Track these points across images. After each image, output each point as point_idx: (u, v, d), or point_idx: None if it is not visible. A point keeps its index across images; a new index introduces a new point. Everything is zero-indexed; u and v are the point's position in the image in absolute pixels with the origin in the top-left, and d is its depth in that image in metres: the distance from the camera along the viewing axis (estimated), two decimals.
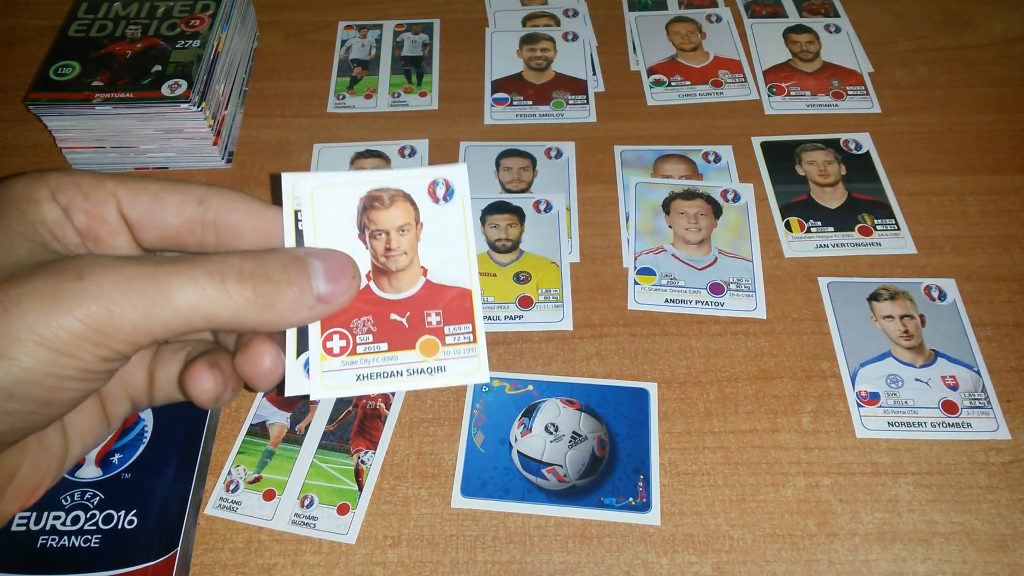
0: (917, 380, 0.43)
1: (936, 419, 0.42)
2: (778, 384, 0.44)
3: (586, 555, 0.38)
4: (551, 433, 0.42)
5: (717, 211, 0.51)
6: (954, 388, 0.43)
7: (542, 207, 0.51)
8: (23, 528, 0.38)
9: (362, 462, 0.41)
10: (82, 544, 0.38)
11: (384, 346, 0.32)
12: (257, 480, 0.41)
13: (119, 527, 0.39)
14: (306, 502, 0.40)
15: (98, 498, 0.39)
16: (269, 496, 0.40)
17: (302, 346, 0.30)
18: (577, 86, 0.59)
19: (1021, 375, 0.44)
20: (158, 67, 0.52)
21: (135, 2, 0.56)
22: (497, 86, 0.59)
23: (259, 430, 0.43)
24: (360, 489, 0.40)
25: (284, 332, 0.30)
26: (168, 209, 0.29)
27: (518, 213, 0.51)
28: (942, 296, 0.47)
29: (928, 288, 0.47)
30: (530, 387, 0.44)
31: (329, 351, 0.32)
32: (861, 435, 0.42)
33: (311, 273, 0.28)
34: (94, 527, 0.39)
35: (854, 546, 0.38)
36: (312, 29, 0.64)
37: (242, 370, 0.29)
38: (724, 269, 0.48)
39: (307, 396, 0.30)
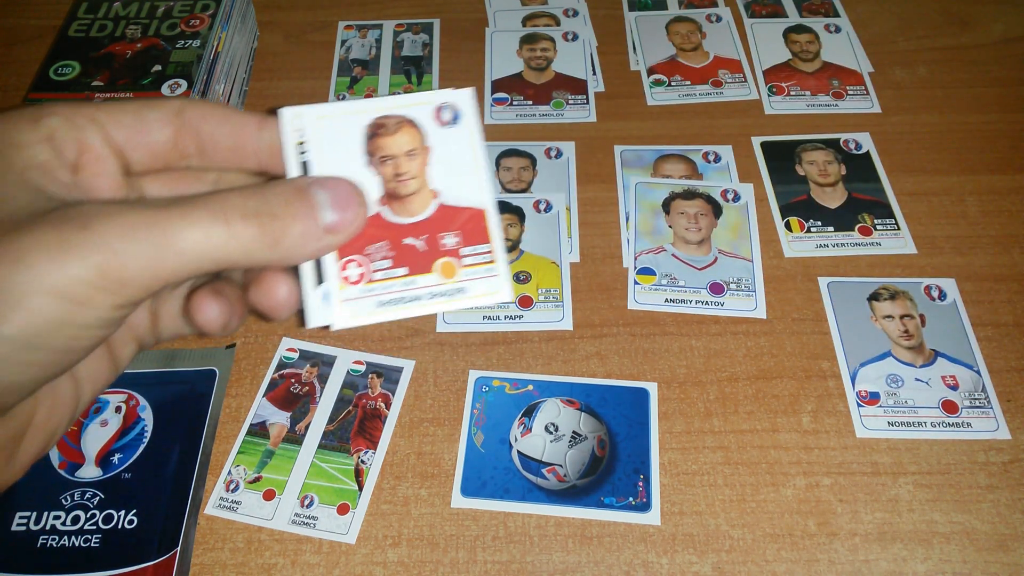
0: (917, 380, 0.43)
1: (936, 419, 0.42)
2: (778, 384, 0.44)
3: (586, 555, 0.38)
4: (551, 433, 0.42)
5: (717, 211, 0.51)
6: (954, 388, 0.43)
7: (542, 207, 0.51)
8: (23, 528, 0.38)
9: (362, 462, 0.41)
10: (82, 544, 0.38)
11: (402, 271, 0.32)
12: (257, 480, 0.41)
13: (119, 527, 0.39)
14: (306, 502, 0.40)
15: (98, 498, 0.39)
16: (269, 496, 0.40)
17: (319, 275, 0.30)
18: (577, 86, 0.59)
19: (1021, 375, 0.44)
20: (158, 67, 0.52)
21: (135, 2, 0.56)
22: (497, 86, 0.59)
23: (259, 430, 0.43)
24: (360, 489, 0.40)
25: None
26: (151, 125, 0.29)
27: (518, 213, 0.51)
28: (942, 296, 0.47)
29: (928, 288, 0.47)
30: (530, 387, 0.44)
31: (346, 279, 0.31)
32: (861, 435, 0.42)
33: (315, 204, 0.27)
34: (94, 527, 0.39)
35: (854, 546, 0.38)
36: (312, 29, 0.64)
37: (258, 302, 0.29)
38: (724, 269, 0.48)
39: (328, 326, 0.29)
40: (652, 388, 0.43)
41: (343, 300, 0.31)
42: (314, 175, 0.29)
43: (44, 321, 0.24)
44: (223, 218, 0.25)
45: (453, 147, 0.33)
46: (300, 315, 0.30)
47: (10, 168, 0.26)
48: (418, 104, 0.33)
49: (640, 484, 0.40)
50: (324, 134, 0.32)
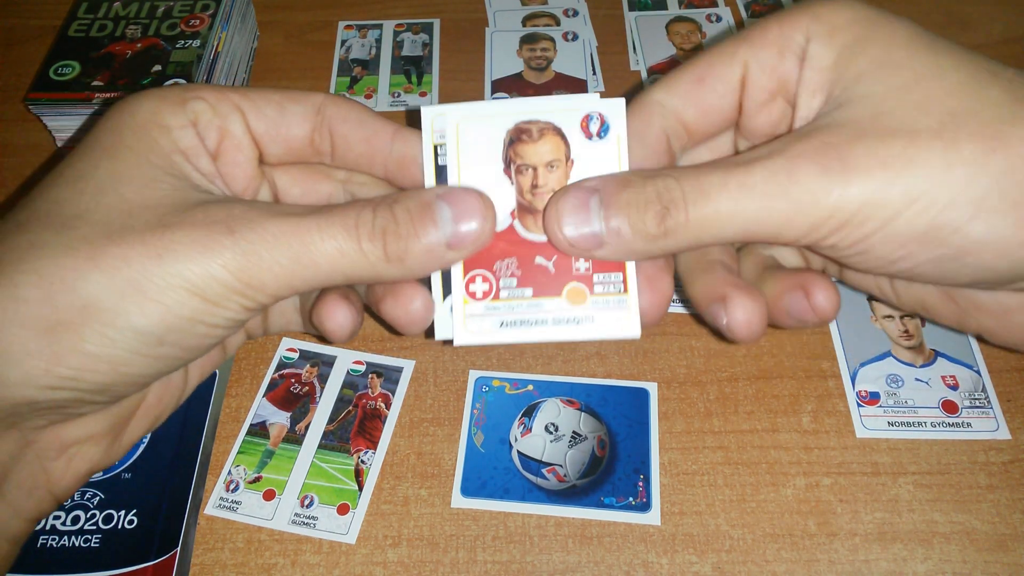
0: (917, 380, 0.43)
1: (936, 419, 0.42)
2: (778, 384, 0.44)
3: (586, 555, 0.38)
4: (551, 433, 0.42)
5: None
6: (954, 388, 0.43)
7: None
8: None
9: (362, 462, 0.41)
10: (82, 544, 0.38)
11: (528, 291, 0.30)
12: (257, 480, 0.41)
13: (119, 527, 0.39)
14: (306, 502, 0.40)
15: (98, 498, 0.40)
16: (269, 496, 0.40)
17: (447, 288, 0.29)
18: (577, 86, 0.59)
19: (1021, 375, 0.44)
20: (158, 67, 0.52)
21: (135, 2, 0.56)
22: (497, 86, 0.60)
23: (259, 430, 0.43)
24: (360, 489, 0.40)
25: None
26: (292, 119, 0.29)
27: None
28: None
29: None
30: (530, 387, 0.44)
31: (472, 294, 0.30)
32: (861, 435, 0.42)
33: (438, 221, 0.27)
34: (94, 527, 0.39)
35: (854, 546, 0.38)
36: (312, 29, 0.64)
37: (393, 315, 0.29)
38: None
39: (450, 341, 0.29)
40: (652, 388, 0.43)
41: (467, 316, 0.30)
42: (442, 186, 0.28)
43: (177, 317, 0.24)
44: (355, 234, 0.26)
45: (597, 163, 0.30)
46: (431, 328, 0.30)
47: (156, 150, 0.27)
48: (566, 110, 0.31)
49: (640, 484, 0.40)
50: (465, 136, 0.30)
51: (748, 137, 0.31)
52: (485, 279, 0.30)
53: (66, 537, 0.38)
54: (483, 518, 0.40)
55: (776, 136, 0.29)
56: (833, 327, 0.46)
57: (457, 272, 0.30)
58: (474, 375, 0.44)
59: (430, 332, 0.29)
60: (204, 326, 0.25)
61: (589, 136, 0.31)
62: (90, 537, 0.38)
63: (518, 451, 0.41)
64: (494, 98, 0.59)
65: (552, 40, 0.63)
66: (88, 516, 0.39)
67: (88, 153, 0.26)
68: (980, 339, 0.28)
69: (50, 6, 0.65)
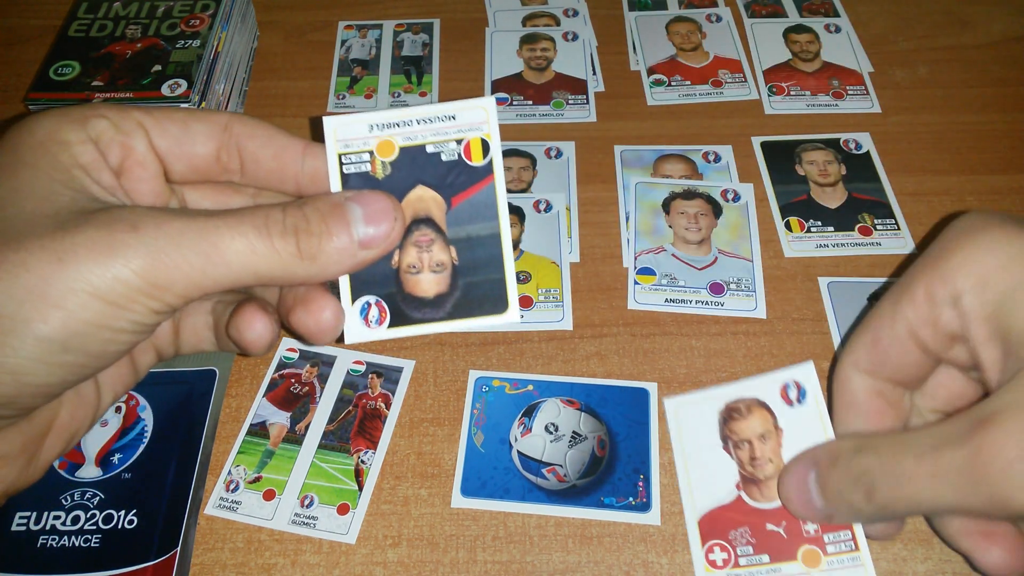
0: None
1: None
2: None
3: (586, 555, 0.38)
4: (551, 433, 0.42)
5: (717, 211, 0.51)
6: None
7: (542, 207, 0.51)
8: (23, 528, 0.38)
9: (362, 462, 0.41)
10: (82, 544, 0.38)
11: (766, 557, 0.33)
12: (257, 480, 0.41)
13: (119, 527, 0.39)
14: (306, 502, 0.40)
15: (98, 498, 0.40)
16: (269, 496, 0.40)
17: (356, 291, 0.30)
18: (577, 86, 0.59)
19: None
20: (158, 67, 0.52)
21: (135, 2, 0.56)
22: (497, 86, 0.60)
23: (259, 430, 0.43)
24: (360, 489, 0.40)
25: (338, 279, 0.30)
26: (196, 138, 0.29)
27: (518, 213, 0.51)
28: None
29: None
30: (530, 387, 0.44)
31: (712, 563, 0.34)
32: None
33: (350, 220, 0.27)
34: (94, 527, 0.39)
35: None
36: (312, 29, 0.64)
37: (304, 325, 0.29)
38: (724, 269, 0.48)
39: (361, 342, 0.31)
40: (652, 388, 0.43)
41: None
42: (351, 190, 0.29)
43: (82, 323, 0.24)
44: (266, 232, 0.26)
45: (802, 426, 0.35)
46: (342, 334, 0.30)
47: (56, 165, 0.26)
48: (765, 385, 0.36)
49: (640, 484, 0.40)
50: (685, 418, 0.36)
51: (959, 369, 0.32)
52: (723, 548, 0.34)
53: (66, 537, 0.38)
54: (483, 518, 0.40)
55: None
56: (833, 327, 0.46)
57: (695, 540, 0.35)
58: (474, 375, 0.44)
59: (340, 338, 0.30)
60: (110, 331, 0.25)
61: (790, 403, 0.36)
62: (90, 537, 0.38)
63: (518, 451, 0.41)
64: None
65: (552, 40, 0.63)
66: (88, 516, 0.39)
67: None
68: None
69: (50, 6, 0.65)
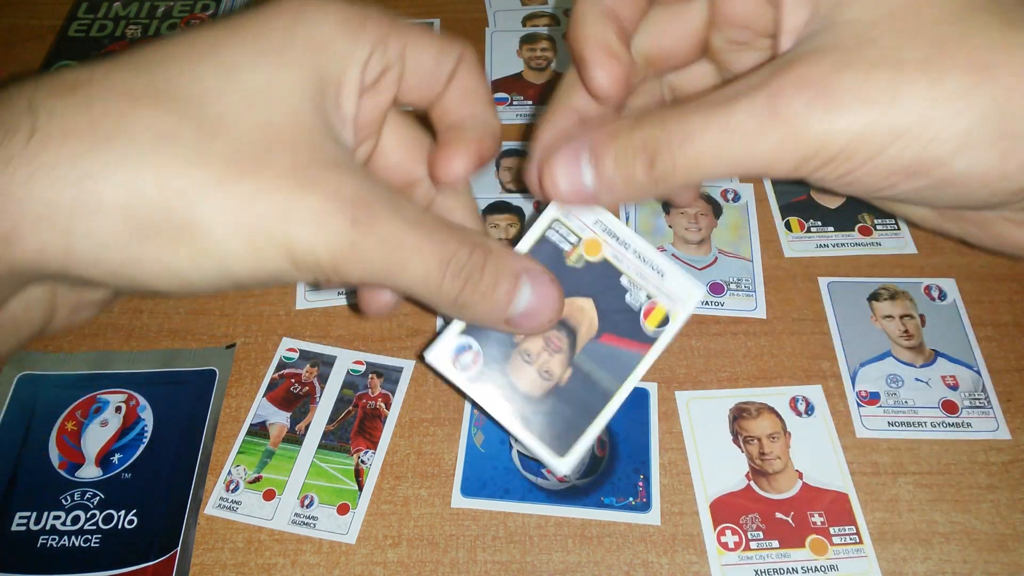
0: (917, 380, 0.43)
1: (936, 419, 0.42)
2: (778, 384, 0.44)
3: (586, 555, 0.38)
4: None
5: (717, 211, 0.51)
6: (954, 388, 0.43)
7: (542, 207, 0.51)
8: (23, 528, 0.38)
9: (362, 462, 0.41)
10: (82, 544, 0.38)
11: (775, 543, 0.36)
12: (257, 480, 0.41)
13: (119, 527, 0.39)
14: (306, 502, 0.40)
15: (98, 498, 0.40)
16: (269, 496, 0.40)
17: (471, 329, 0.31)
18: None
19: (1021, 375, 0.44)
20: None
21: (135, 2, 0.56)
22: (497, 86, 0.60)
23: (259, 430, 0.43)
24: (360, 489, 0.40)
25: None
26: (442, 69, 0.29)
27: (518, 213, 0.51)
28: (942, 296, 0.47)
29: (928, 288, 0.47)
30: None
31: (724, 545, 0.36)
32: (861, 435, 0.42)
33: (514, 299, 0.28)
34: (94, 527, 0.39)
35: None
36: None
37: (365, 299, 0.30)
38: (724, 269, 0.48)
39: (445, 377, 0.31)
40: (652, 388, 0.43)
41: (723, 565, 0.36)
42: (534, 264, 0.29)
43: (265, 273, 0.24)
44: (443, 270, 0.26)
45: (811, 432, 0.38)
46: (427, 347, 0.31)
47: (320, 77, 0.25)
48: (774, 395, 0.40)
49: (640, 484, 0.40)
50: (696, 411, 0.40)
51: (729, 34, 0.30)
52: (734, 531, 0.36)
53: (66, 537, 0.38)
54: (483, 518, 0.40)
55: (759, 50, 0.30)
56: (833, 327, 0.46)
57: (707, 523, 0.37)
58: None
59: (423, 350, 0.31)
60: (277, 281, 0.25)
61: (799, 414, 0.39)
62: (90, 537, 0.38)
63: (518, 451, 0.41)
64: (494, 98, 0.59)
65: (552, 40, 0.63)
66: (88, 516, 0.39)
67: (251, 43, 0.25)
68: (962, 243, 0.29)
69: (50, 6, 0.65)
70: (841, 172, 0.24)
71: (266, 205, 0.23)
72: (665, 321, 0.31)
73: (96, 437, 0.42)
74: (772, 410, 0.39)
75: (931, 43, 0.23)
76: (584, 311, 0.31)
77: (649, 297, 0.31)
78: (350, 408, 0.43)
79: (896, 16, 0.24)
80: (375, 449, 0.42)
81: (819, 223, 0.51)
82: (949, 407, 0.42)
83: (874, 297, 0.47)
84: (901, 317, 0.46)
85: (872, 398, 0.43)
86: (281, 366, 0.45)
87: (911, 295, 0.47)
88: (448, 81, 0.30)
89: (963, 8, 0.24)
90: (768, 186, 0.53)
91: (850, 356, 0.44)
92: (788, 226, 0.51)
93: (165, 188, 0.22)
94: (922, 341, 0.45)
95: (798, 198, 0.52)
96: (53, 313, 0.28)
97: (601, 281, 0.31)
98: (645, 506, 0.39)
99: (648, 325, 0.31)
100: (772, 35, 0.28)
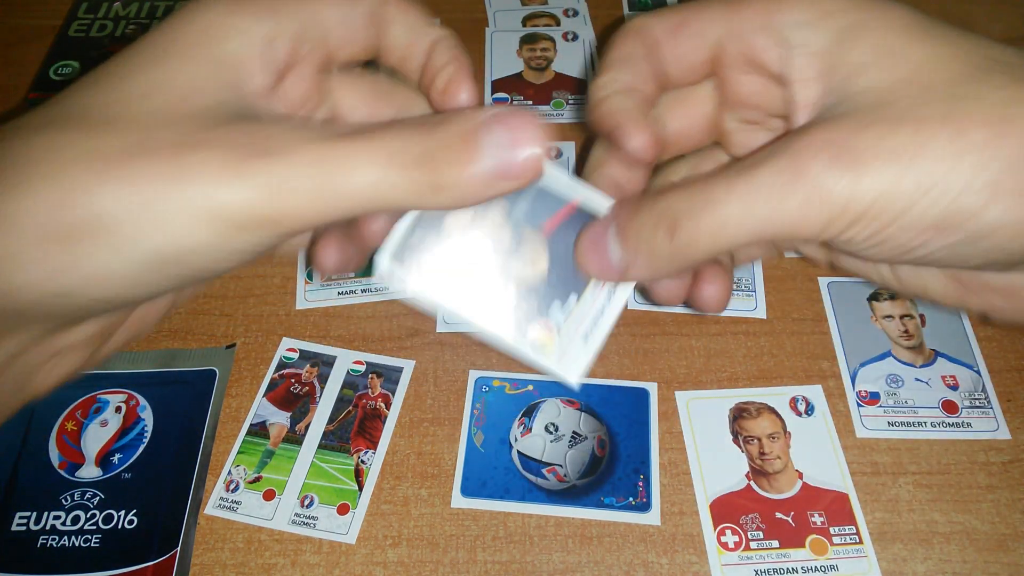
0: (917, 380, 0.43)
1: (936, 419, 0.42)
2: (778, 384, 0.44)
3: (586, 555, 0.38)
4: (551, 433, 0.42)
5: None
6: (954, 388, 0.43)
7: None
8: (23, 528, 0.38)
9: (362, 462, 0.41)
10: (82, 544, 0.38)
11: (775, 543, 0.36)
12: (257, 480, 0.41)
13: (119, 527, 0.39)
14: (306, 502, 0.40)
15: (98, 498, 0.40)
16: (269, 496, 0.40)
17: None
18: (577, 86, 0.59)
19: (1021, 375, 0.44)
20: None
21: (135, 2, 0.56)
22: (497, 86, 0.59)
23: (259, 430, 0.43)
24: (360, 489, 0.40)
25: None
26: (387, 29, 0.29)
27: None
28: None
29: None
30: (530, 387, 0.44)
31: (724, 545, 0.36)
32: (861, 435, 0.42)
33: (482, 150, 0.24)
34: (94, 527, 0.39)
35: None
36: None
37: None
38: None
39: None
40: (652, 388, 0.43)
41: (723, 564, 0.36)
42: (495, 108, 0.26)
43: (192, 242, 0.23)
44: (400, 161, 0.24)
45: (811, 433, 0.38)
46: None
47: (210, 58, 0.25)
48: (774, 395, 0.40)
49: (640, 484, 0.40)
50: (696, 411, 0.40)
51: (739, 114, 0.30)
52: (735, 531, 0.36)
53: (66, 537, 0.38)
54: (483, 518, 0.40)
55: (772, 130, 0.30)
56: (833, 327, 0.46)
57: (707, 523, 0.37)
58: (474, 375, 0.44)
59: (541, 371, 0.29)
60: (221, 252, 0.24)
61: (799, 414, 0.39)
62: (90, 537, 0.38)
63: (518, 451, 0.41)
64: (494, 99, 0.59)
65: (552, 40, 0.63)
66: (88, 516, 0.39)
67: (138, 54, 0.25)
68: (983, 319, 0.29)
69: (50, 6, 0.65)
70: (871, 231, 0.24)
71: (158, 178, 0.22)
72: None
73: (96, 437, 0.42)
74: (772, 410, 0.39)
75: (949, 101, 0.23)
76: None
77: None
78: (350, 408, 0.43)
79: (911, 80, 0.24)
80: (375, 449, 0.42)
81: None
82: (949, 407, 0.42)
83: (874, 297, 0.47)
84: (901, 317, 0.46)
85: (872, 398, 0.43)
86: (281, 366, 0.45)
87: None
88: (381, 26, 0.29)
89: (976, 68, 0.24)
90: None
91: (850, 356, 0.44)
92: None
93: (65, 192, 0.22)
94: (922, 341, 0.45)
95: None
96: (31, 374, 0.28)
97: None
98: (645, 506, 0.39)
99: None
100: (783, 115, 0.28)
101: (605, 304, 0.29)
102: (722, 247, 0.26)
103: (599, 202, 0.29)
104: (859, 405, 0.43)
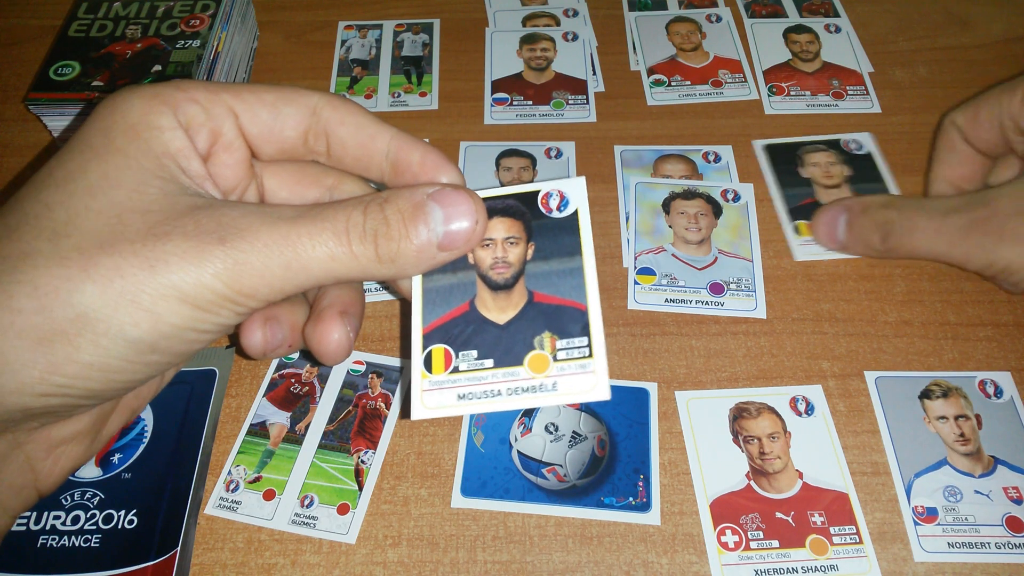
0: (977, 492, 0.39)
1: (1001, 538, 0.38)
2: (778, 384, 0.44)
3: (586, 555, 0.38)
4: (551, 433, 0.42)
5: (717, 211, 0.51)
6: (1018, 501, 0.39)
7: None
8: (23, 528, 0.38)
9: (362, 462, 0.41)
10: (82, 544, 0.38)
11: (775, 543, 0.36)
12: (257, 480, 0.41)
13: (119, 527, 0.39)
14: (306, 502, 0.40)
15: (98, 498, 0.40)
16: (269, 496, 0.40)
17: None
18: (577, 86, 0.59)
19: None
20: (158, 67, 0.52)
21: (135, 2, 0.56)
22: (497, 86, 0.60)
23: (259, 430, 0.43)
24: (360, 489, 0.40)
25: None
26: (286, 122, 0.29)
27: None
28: (998, 392, 0.43)
29: (983, 383, 0.43)
30: None
31: (724, 545, 0.36)
32: (920, 559, 0.38)
33: (429, 222, 0.27)
34: (94, 527, 0.39)
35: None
36: (312, 29, 0.64)
37: (312, 342, 0.30)
38: (724, 269, 0.48)
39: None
40: (652, 388, 0.43)
41: (723, 564, 0.36)
42: (433, 185, 0.28)
43: (170, 326, 0.25)
44: (345, 238, 0.26)
45: (812, 433, 0.39)
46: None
47: (147, 152, 0.26)
48: (775, 395, 0.40)
49: (640, 484, 0.40)
50: (696, 411, 0.40)
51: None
52: (735, 531, 0.36)
53: (66, 537, 0.38)
54: (483, 518, 0.40)
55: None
56: (884, 431, 0.41)
57: (707, 523, 0.37)
58: None
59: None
60: (195, 332, 0.26)
61: (799, 414, 0.39)
62: (90, 537, 0.38)
63: (518, 451, 0.41)
64: (494, 99, 0.59)
65: (552, 40, 0.63)
66: (88, 516, 0.39)
67: (77, 154, 0.26)
68: None
69: (50, 6, 0.65)
70: (1013, 281, 0.39)
71: (133, 267, 0.24)
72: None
73: None
74: (772, 410, 0.38)
75: None
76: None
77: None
78: (350, 408, 0.43)
79: None
80: (375, 449, 0.42)
81: None
82: (1014, 524, 0.38)
83: (925, 395, 0.43)
84: (956, 418, 0.42)
85: (930, 514, 0.39)
86: (281, 366, 0.45)
87: (965, 392, 0.43)
88: (305, 125, 0.30)
89: None
90: (772, 186, 0.53)
91: (904, 464, 0.40)
92: (797, 230, 0.50)
93: (36, 295, 0.23)
94: (980, 447, 0.41)
95: (806, 200, 0.52)
96: (35, 469, 0.29)
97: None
98: (645, 506, 0.39)
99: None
100: None
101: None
102: (917, 256, 0.41)
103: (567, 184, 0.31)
104: (916, 523, 0.38)
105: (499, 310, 0.29)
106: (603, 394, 0.27)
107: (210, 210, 0.26)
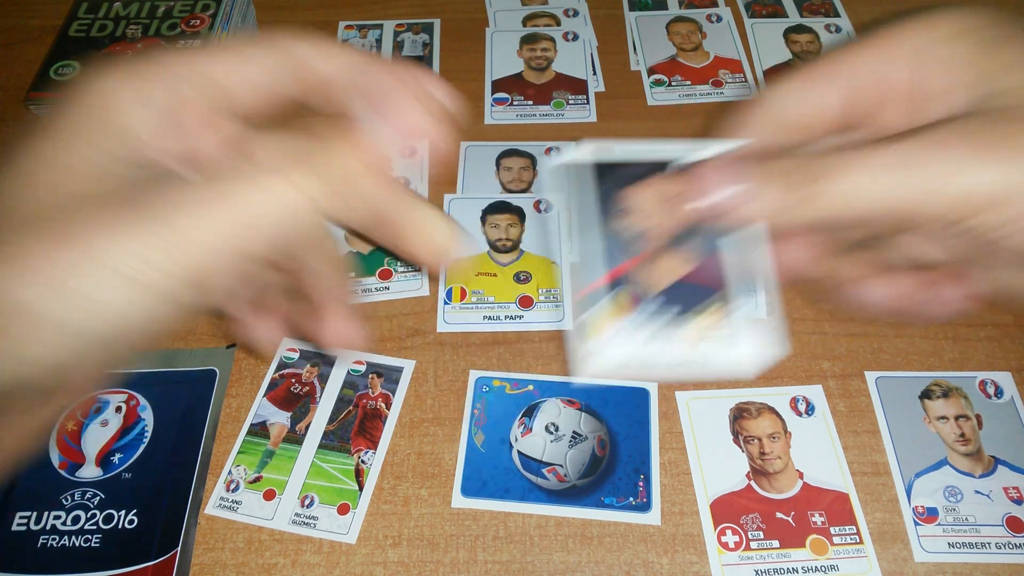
0: (977, 492, 0.39)
1: (1001, 539, 0.38)
2: (778, 384, 0.44)
3: (586, 555, 0.38)
4: (551, 433, 0.42)
5: None
6: (1018, 501, 0.39)
7: (542, 207, 0.51)
8: (23, 528, 0.38)
9: (362, 462, 0.41)
10: (82, 544, 0.38)
11: (776, 543, 0.36)
12: (257, 480, 0.41)
13: (119, 527, 0.39)
14: (306, 502, 0.40)
15: (98, 498, 0.39)
16: (269, 496, 0.40)
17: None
18: (577, 86, 0.59)
19: None
20: None
21: (135, 2, 0.56)
22: (497, 86, 0.59)
23: (259, 430, 0.43)
24: (360, 489, 0.40)
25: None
26: (264, 62, 0.28)
27: (518, 213, 0.51)
28: (999, 392, 0.42)
29: (983, 383, 0.43)
30: (530, 387, 0.44)
31: (724, 545, 0.36)
32: (920, 559, 0.38)
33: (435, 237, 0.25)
34: (94, 527, 0.39)
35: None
36: (312, 29, 0.64)
37: (323, 340, 0.29)
38: None
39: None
40: (652, 388, 0.43)
41: (723, 564, 0.36)
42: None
43: (115, 313, 0.23)
44: (287, 180, 0.24)
45: (812, 432, 0.38)
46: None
47: (113, 137, 0.26)
48: (775, 394, 0.40)
49: (640, 484, 0.40)
50: (696, 411, 0.40)
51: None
52: (735, 531, 0.36)
53: (66, 537, 0.38)
54: (483, 518, 0.40)
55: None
56: (884, 431, 0.42)
57: (708, 523, 0.37)
58: (474, 375, 0.44)
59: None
60: (155, 316, 0.24)
61: (799, 414, 0.39)
62: (90, 537, 0.38)
63: (518, 451, 0.41)
64: (494, 99, 0.59)
65: (552, 40, 0.63)
66: (88, 516, 0.39)
67: (44, 145, 0.26)
68: None
69: (50, 6, 0.65)
70: (1001, 220, 0.24)
71: (74, 254, 0.23)
72: None
73: (96, 437, 0.42)
74: (772, 410, 0.38)
75: None
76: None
77: None
78: (350, 408, 0.43)
79: None
80: (375, 449, 0.42)
81: None
82: (1014, 524, 0.38)
83: (926, 395, 0.43)
84: (956, 418, 0.42)
85: (930, 514, 0.39)
86: (281, 366, 0.45)
87: (965, 392, 0.43)
88: (291, 67, 0.29)
89: None
90: None
91: (904, 464, 0.40)
92: None
93: None
94: (980, 447, 0.41)
95: None
96: None
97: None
98: (645, 506, 0.39)
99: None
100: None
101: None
102: (844, 213, 0.26)
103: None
104: (916, 523, 0.38)
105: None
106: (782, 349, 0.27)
107: (161, 184, 0.25)
